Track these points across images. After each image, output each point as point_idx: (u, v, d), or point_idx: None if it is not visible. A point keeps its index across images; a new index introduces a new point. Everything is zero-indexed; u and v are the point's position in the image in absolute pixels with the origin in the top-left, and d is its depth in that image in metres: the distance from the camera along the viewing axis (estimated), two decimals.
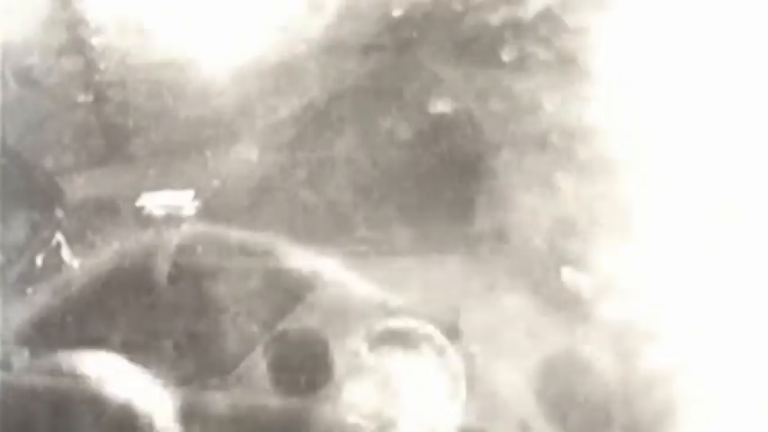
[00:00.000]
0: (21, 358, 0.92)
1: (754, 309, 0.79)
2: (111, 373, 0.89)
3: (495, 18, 0.93)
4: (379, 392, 0.87)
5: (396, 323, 0.88)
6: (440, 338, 0.87)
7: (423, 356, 0.87)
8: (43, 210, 1.02)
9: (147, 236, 0.97)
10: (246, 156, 0.98)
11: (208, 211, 0.99)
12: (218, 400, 0.89)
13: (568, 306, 0.85)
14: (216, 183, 1.00)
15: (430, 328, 0.88)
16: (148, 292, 0.95)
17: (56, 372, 0.90)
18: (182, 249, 0.94)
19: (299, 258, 0.92)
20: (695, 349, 0.80)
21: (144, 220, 1.01)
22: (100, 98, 1.06)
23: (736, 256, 0.80)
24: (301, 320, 0.91)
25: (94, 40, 1.05)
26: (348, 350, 0.88)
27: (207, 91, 1.00)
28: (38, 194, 1.03)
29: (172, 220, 0.99)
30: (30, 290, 0.99)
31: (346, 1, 0.97)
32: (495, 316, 0.87)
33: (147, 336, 0.93)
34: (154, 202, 1.01)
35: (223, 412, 0.89)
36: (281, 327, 0.91)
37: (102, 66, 1.05)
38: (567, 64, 0.90)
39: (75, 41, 1.06)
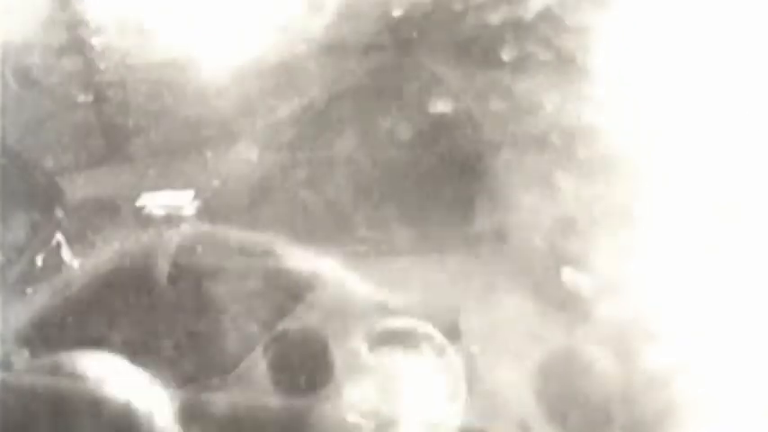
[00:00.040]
0: (21, 359, 0.92)
1: (754, 309, 0.79)
2: (110, 374, 0.88)
3: (495, 18, 0.93)
4: (379, 392, 0.87)
5: (396, 323, 0.88)
6: (440, 338, 0.87)
7: (423, 356, 0.87)
8: (43, 210, 1.02)
9: (147, 236, 0.97)
10: (246, 156, 0.99)
11: (208, 211, 1.00)
12: (218, 400, 0.89)
13: (568, 306, 0.85)
14: (216, 183, 1.00)
15: (430, 328, 0.88)
16: (148, 291, 0.95)
17: (55, 371, 0.90)
18: (181, 249, 0.94)
19: (299, 258, 0.92)
20: (695, 349, 0.80)
21: (144, 220, 1.01)
22: (100, 98, 1.06)
23: (736, 256, 0.80)
24: (301, 320, 0.91)
25: (94, 40, 1.05)
26: (348, 350, 0.88)
27: (207, 91, 1.00)
28: (38, 194, 1.03)
29: (172, 219, 1.00)
30: (30, 290, 0.99)
31: (346, 1, 0.97)
32: (495, 316, 0.87)
33: (147, 336, 0.93)
34: (154, 202, 1.01)
35: (223, 412, 0.89)
36: (281, 327, 0.91)
37: (102, 66, 1.05)
38: (566, 64, 0.90)
39: (75, 41, 1.06)
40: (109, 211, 1.03)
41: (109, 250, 0.98)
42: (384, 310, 0.89)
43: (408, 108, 0.95)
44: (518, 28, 0.93)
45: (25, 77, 1.05)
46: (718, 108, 0.82)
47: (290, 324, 0.91)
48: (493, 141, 0.92)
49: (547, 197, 0.88)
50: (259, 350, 0.90)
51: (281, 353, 0.90)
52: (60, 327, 0.95)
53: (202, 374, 0.90)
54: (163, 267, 0.94)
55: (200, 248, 0.94)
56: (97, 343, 0.92)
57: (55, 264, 1.00)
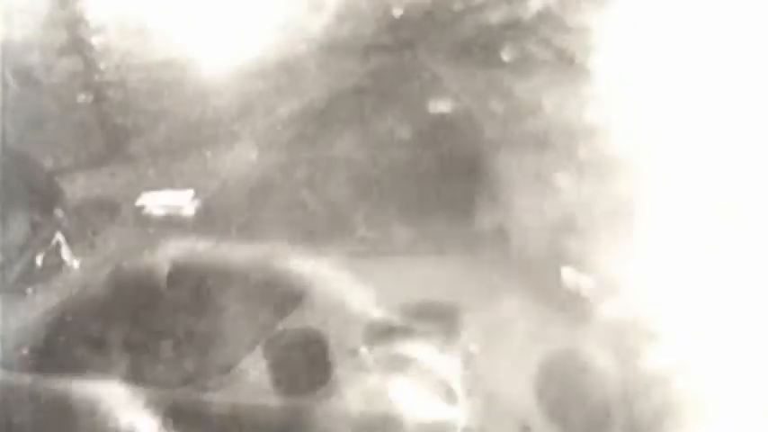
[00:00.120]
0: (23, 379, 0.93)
1: (754, 309, 0.79)
2: (114, 406, 0.89)
3: (495, 18, 0.93)
4: (378, 392, 0.87)
5: (395, 324, 0.88)
6: (440, 339, 0.87)
7: (422, 356, 0.87)
8: (43, 210, 1.03)
9: (145, 252, 0.97)
10: (246, 156, 0.99)
11: (207, 211, 1.00)
12: (218, 400, 0.89)
13: (568, 306, 0.85)
14: (216, 183, 1.00)
15: (430, 329, 0.88)
16: (148, 292, 0.95)
17: (62, 398, 0.90)
18: (177, 266, 0.94)
19: (296, 269, 0.92)
20: (695, 349, 0.80)
21: (144, 219, 1.01)
22: (100, 98, 1.06)
23: (736, 256, 0.80)
24: (301, 320, 0.91)
25: (94, 40, 1.05)
26: (348, 350, 0.88)
27: (207, 91, 1.00)
28: (38, 194, 1.04)
29: (172, 219, 1.00)
30: (30, 290, 0.99)
31: (346, 1, 0.97)
32: (495, 316, 0.87)
33: (147, 336, 0.93)
34: (154, 202, 1.01)
35: (223, 412, 0.89)
36: (280, 327, 0.91)
37: (102, 66, 1.06)
38: (566, 64, 0.90)
39: (75, 41, 1.06)
40: (109, 211, 1.03)
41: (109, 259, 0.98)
42: (382, 325, 0.89)
43: (408, 108, 0.95)
44: (518, 28, 0.93)
45: (25, 77, 1.05)
46: (718, 108, 0.82)
47: (289, 324, 0.91)
48: (493, 141, 0.92)
49: (547, 197, 0.88)
50: (259, 350, 0.90)
51: (281, 353, 0.90)
52: (60, 327, 0.96)
53: (202, 374, 0.90)
54: (163, 270, 0.94)
55: (196, 264, 0.94)
56: (97, 343, 0.92)
57: (55, 264, 1.00)
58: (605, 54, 0.87)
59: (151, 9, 1.01)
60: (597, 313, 0.83)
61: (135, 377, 0.91)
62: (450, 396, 0.86)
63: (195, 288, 0.93)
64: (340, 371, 0.87)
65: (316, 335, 0.89)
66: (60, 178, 1.04)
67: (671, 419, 0.80)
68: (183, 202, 1.00)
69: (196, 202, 1.00)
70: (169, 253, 0.96)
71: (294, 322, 0.90)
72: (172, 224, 0.99)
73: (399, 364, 0.88)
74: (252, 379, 0.89)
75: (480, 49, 0.95)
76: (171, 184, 1.01)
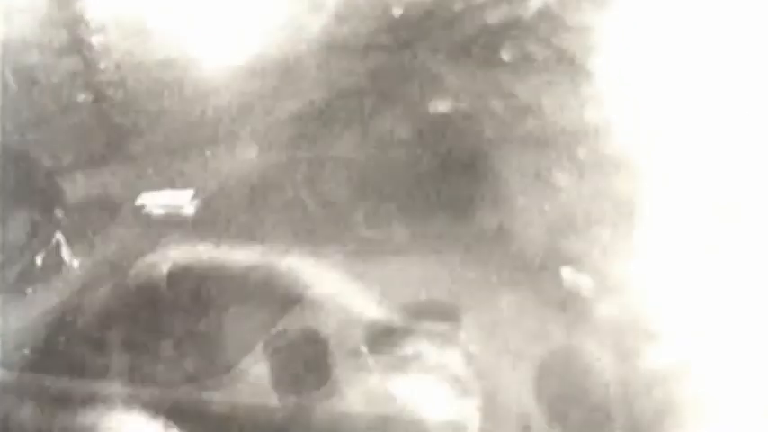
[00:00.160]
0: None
1: (754, 309, 0.79)
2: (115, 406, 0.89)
3: (495, 17, 0.93)
4: (378, 392, 0.87)
5: (394, 324, 0.88)
6: (439, 339, 0.87)
7: (422, 356, 0.87)
8: (43, 209, 1.02)
9: (145, 252, 0.97)
10: (246, 155, 0.98)
11: (207, 211, 0.99)
12: (219, 400, 0.89)
13: (568, 306, 0.85)
14: (216, 183, 1.00)
15: (429, 329, 0.88)
16: (148, 292, 0.95)
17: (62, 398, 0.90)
18: (177, 268, 0.94)
19: (296, 269, 0.92)
20: (695, 349, 0.80)
21: (144, 219, 1.01)
22: (100, 98, 1.06)
23: (736, 256, 0.80)
24: (301, 320, 0.91)
25: (94, 40, 1.05)
26: (348, 350, 0.88)
27: (207, 91, 1.00)
28: (38, 194, 1.03)
29: (172, 219, 1.00)
30: (30, 289, 0.99)
31: (346, 1, 0.97)
32: (495, 316, 0.87)
33: (147, 336, 0.93)
34: (153, 202, 1.01)
35: (223, 412, 0.89)
36: (280, 326, 0.91)
37: (101, 65, 1.05)
38: (566, 63, 0.90)
39: (75, 41, 1.06)
40: (109, 211, 1.03)
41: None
42: (381, 322, 0.89)
43: (408, 108, 0.95)
44: (518, 27, 0.92)
45: (25, 77, 1.05)
46: (718, 108, 0.82)
47: (289, 324, 0.91)
48: (493, 141, 0.92)
49: (547, 197, 0.88)
50: (258, 350, 0.90)
51: (281, 353, 0.90)
52: (60, 327, 0.96)
53: (202, 374, 0.90)
54: (161, 278, 0.94)
55: (196, 264, 0.94)
56: (97, 343, 0.92)
57: (55, 263, 1.00)
58: (605, 54, 0.87)
59: (151, 9, 1.01)
60: (597, 313, 0.83)
61: (135, 377, 0.91)
62: (449, 396, 0.86)
63: (195, 288, 0.93)
64: (340, 371, 0.87)
65: (316, 335, 0.89)
66: (60, 178, 1.04)
67: (671, 419, 0.80)
68: (182, 201, 1.00)
69: (196, 202, 1.00)
70: (169, 253, 0.96)
71: (294, 322, 0.90)
72: (172, 224, 0.99)
73: (400, 363, 0.88)
74: (252, 379, 0.89)
75: (480, 48, 0.95)
76: (171, 184, 1.01)
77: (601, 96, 0.86)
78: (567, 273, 0.86)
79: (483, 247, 0.91)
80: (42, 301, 0.98)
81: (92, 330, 0.95)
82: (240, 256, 0.94)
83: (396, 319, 0.88)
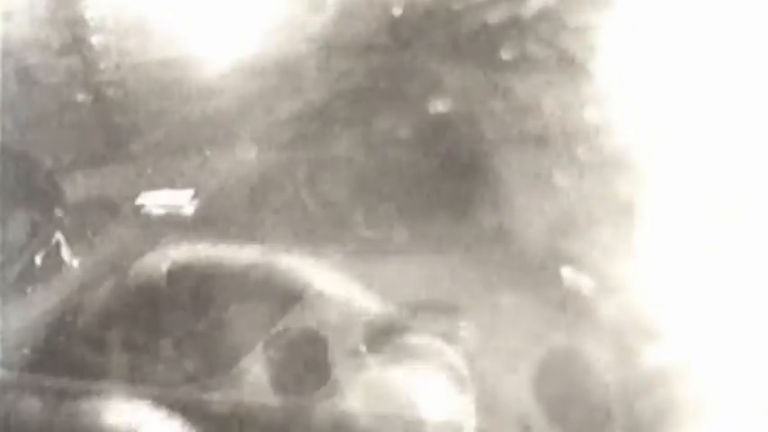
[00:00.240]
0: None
1: (755, 309, 0.79)
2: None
3: (495, 17, 0.93)
4: (378, 392, 0.87)
5: (394, 325, 0.88)
6: (439, 338, 0.87)
7: (422, 356, 0.87)
8: (43, 209, 1.03)
9: (145, 252, 0.97)
10: (246, 155, 0.98)
11: (207, 211, 0.99)
12: (219, 400, 0.89)
13: (568, 306, 0.85)
14: (216, 183, 1.00)
15: (429, 329, 0.88)
16: (148, 292, 0.95)
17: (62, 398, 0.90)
18: (177, 268, 0.94)
19: (296, 269, 0.92)
20: (695, 349, 0.80)
21: (144, 219, 1.01)
22: (99, 97, 1.06)
23: (736, 256, 0.80)
24: (301, 320, 0.91)
25: (94, 40, 1.05)
26: (348, 350, 0.88)
27: (207, 91, 1.00)
28: (38, 194, 1.04)
29: (171, 219, 1.00)
30: (29, 289, 0.99)
31: (346, 0, 0.97)
32: (495, 315, 0.87)
33: (148, 335, 0.93)
34: (153, 201, 1.01)
35: (223, 411, 0.89)
36: (280, 326, 0.91)
37: (101, 65, 1.05)
38: (567, 63, 0.90)
39: (75, 41, 1.06)
40: (109, 211, 1.03)
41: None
42: (381, 322, 0.89)
43: (408, 108, 0.95)
44: (518, 27, 0.92)
45: (25, 77, 1.05)
46: (718, 108, 0.82)
47: (289, 324, 0.91)
48: (493, 141, 0.92)
49: (547, 196, 0.88)
50: (258, 350, 0.90)
51: (281, 352, 0.90)
52: (60, 327, 0.96)
53: (202, 374, 0.90)
54: (161, 278, 0.94)
55: (196, 263, 0.94)
56: (97, 343, 0.92)
57: (55, 263, 1.00)
58: (605, 54, 0.87)
59: (151, 9, 1.01)
60: (597, 313, 0.83)
61: (135, 377, 0.91)
62: (449, 396, 0.86)
63: (195, 288, 0.93)
64: (340, 370, 0.87)
65: (316, 335, 0.89)
66: (60, 178, 1.04)
67: (671, 419, 0.80)
68: (182, 201, 1.00)
69: (196, 202, 1.00)
70: (169, 252, 0.96)
71: (294, 322, 0.90)
72: (171, 223, 0.99)
73: (400, 363, 0.88)
74: (252, 378, 0.89)
75: (480, 48, 0.95)
76: (171, 184, 1.01)
77: (601, 96, 0.86)
78: (567, 273, 0.86)
79: (483, 247, 0.91)
80: (42, 301, 0.98)
81: (92, 330, 0.95)
82: (240, 255, 0.94)
83: (396, 318, 0.88)
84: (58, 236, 1.01)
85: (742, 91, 0.82)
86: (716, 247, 0.81)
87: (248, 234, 0.96)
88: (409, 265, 0.92)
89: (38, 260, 1.00)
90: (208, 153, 1.01)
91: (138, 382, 0.91)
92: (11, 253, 0.99)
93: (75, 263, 1.00)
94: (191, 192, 1.01)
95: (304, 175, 0.97)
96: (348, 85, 0.98)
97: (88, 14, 1.05)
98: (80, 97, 1.06)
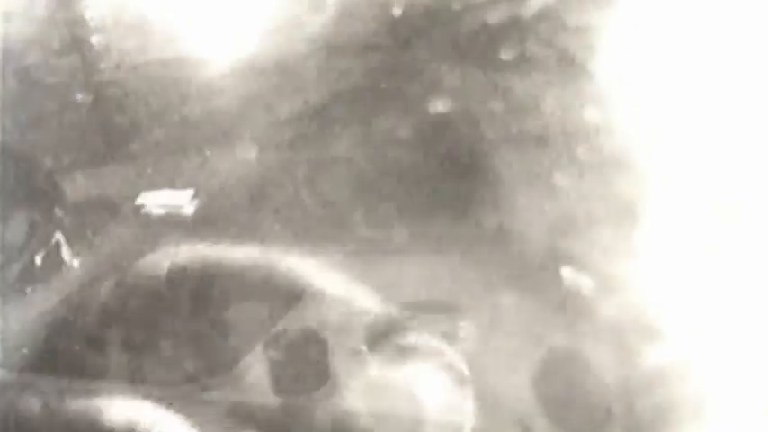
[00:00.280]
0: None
1: (755, 309, 0.79)
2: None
3: (495, 17, 0.93)
4: (378, 392, 0.87)
5: (394, 325, 0.88)
6: (439, 338, 0.87)
7: (422, 356, 0.87)
8: (43, 209, 1.03)
9: (145, 252, 0.97)
10: (246, 155, 0.98)
11: (207, 211, 0.99)
12: (219, 400, 0.89)
13: (568, 306, 0.85)
14: (216, 182, 1.00)
15: (429, 329, 0.88)
16: (148, 292, 0.95)
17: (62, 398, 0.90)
18: (177, 268, 0.94)
19: (296, 269, 0.92)
20: (696, 349, 0.80)
21: (143, 219, 1.01)
22: (99, 97, 1.06)
23: (736, 256, 0.80)
24: (301, 320, 0.91)
25: (94, 40, 1.05)
26: (348, 350, 0.88)
27: (207, 90, 1.00)
28: (38, 194, 1.04)
29: (171, 219, 1.00)
30: (29, 289, 0.99)
31: (346, 0, 0.97)
32: (495, 315, 0.87)
33: (148, 335, 0.93)
34: (153, 201, 1.01)
35: (223, 412, 0.89)
36: (280, 326, 0.91)
37: (101, 65, 1.05)
38: (567, 63, 0.90)
39: (75, 41, 1.06)
40: (109, 211, 1.03)
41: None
42: (381, 322, 0.89)
43: (408, 108, 0.95)
44: (518, 27, 0.92)
45: (25, 77, 1.05)
46: (718, 108, 0.82)
47: (289, 324, 0.91)
48: (493, 141, 0.92)
49: (547, 196, 0.88)
50: (258, 350, 0.90)
51: (281, 353, 0.90)
52: (60, 326, 0.96)
53: (202, 374, 0.90)
54: (160, 278, 0.94)
55: (196, 263, 0.94)
56: (97, 343, 0.92)
57: (55, 263, 1.00)
58: (605, 54, 0.87)
59: (151, 9, 1.01)
60: (597, 313, 0.83)
61: (135, 377, 0.91)
62: (449, 396, 0.86)
63: (195, 288, 0.93)
64: (340, 371, 0.87)
65: (316, 335, 0.89)
66: (60, 178, 1.04)
67: (671, 419, 0.80)
68: (182, 201, 1.00)
69: (196, 202, 1.00)
70: (169, 252, 0.96)
71: (294, 322, 0.90)
72: (171, 223, 0.99)
73: (400, 363, 0.88)
74: (252, 378, 0.89)
75: (480, 48, 0.95)
76: (171, 184, 1.01)
77: (601, 96, 0.86)
78: (567, 273, 0.86)
79: (483, 247, 0.91)
80: (42, 301, 0.98)
81: (92, 330, 0.95)
82: (240, 255, 0.94)
83: (396, 318, 0.88)
84: (58, 236, 1.01)
85: (742, 91, 0.82)
86: (716, 247, 0.81)
87: (248, 234, 0.95)
88: (409, 265, 0.92)
89: (38, 260, 1.00)
90: (208, 153, 1.01)
91: (137, 381, 0.91)
92: (11, 253, 0.99)
93: (76, 263, 1.00)
94: (191, 192, 1.01)
95: (304, 175, 0.97)
96: (348, 85, 0.98)
97: (88, 14, 1.05)
98: (80, 97, 1.06)
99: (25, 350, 0.95)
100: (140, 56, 1.03)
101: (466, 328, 0.87)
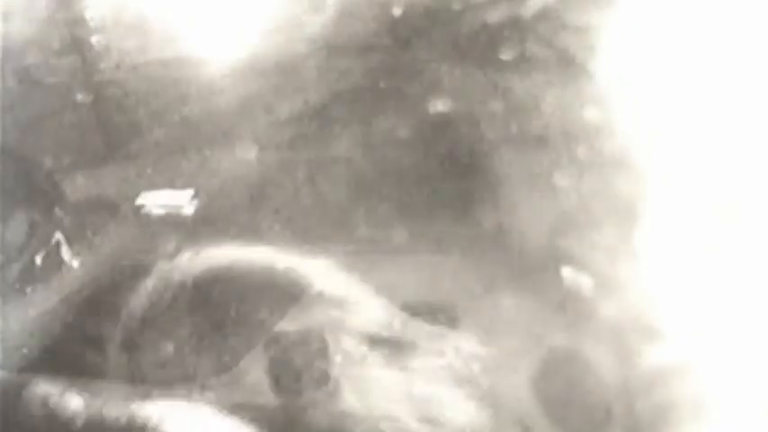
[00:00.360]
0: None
1: (755, 309, 0.79)
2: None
3: (494, 17, 0.93)
4: (378, 392, 0.87)
5: (394, 325, 0.88)
6: (439, 338, 0.87)
7: (422, 356, 0.87)
8: (43, 209, 1.02)
9: (145, 251, 0.97)
10: (246, 155, 0.98)
11: (207, 211, 0.99)
12: (218, 400, 0.89)
13: (568, 306, 0.85)
14: (216, 182, 1.00)
15: (429, 329, 0.88)
16: (148, 292, 0.95)
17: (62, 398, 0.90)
18: (176, 268, 0.94)
19: (296, 269, 0.92)
20: (695, 349, 0.80)
21: (143, 219, 1.01)
22: (99, 97, 1.06)
23: (736, 256, 0.80)
24: (301, 320, 0.91)
25: (94, 40, 1.05)
26: (347, 350, 0.88)
27: (207, 90, 1.00)
28: (37, 194, 1.03)
29: (171, 219, 1.00)
30: (29, 289, 0.99)
31: (346, 0, 0.97)
32: (494, 315, 0.87)
33: (147, 335, 0.93)
34: (153, 201, 1.01)
35: (223, 412, 0.89)
36: (280, 327, 0.91)
37: (101, 65, 1.05)
38: (566, 63, 0.90)
39: (75, 41, 1.06)
40: (108, 211, 1.03)
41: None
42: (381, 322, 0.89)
43: (408, 108, 0.95)
44: (518, 27, 0.92)
45: (25, 77, 1.05)
46: (718, 108, 0.82)
47: (289, 324, 0.91)
48: (493, 141, 0.92)
49: (547, 196, 0.88)
50: (258, 350, 0.90)
51: (281, 353, 0.90)
52: (61, 325, 0.96)
53: (202, 374, 0.90)
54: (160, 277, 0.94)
55: (196, 263, 0.94)
56: (96, 343, 0.92)
57: (55, 263, 1.00)
58: (605, 54, 0.87)
59: (151, 9, 1.01)
60: (597, 313, 0.83)
61: (135, 376, 0.91)
62: (449, 396, 0.86)
63: (195, 288, 0.93)
64: (340, 371, 0.87)
65: (316, 335, 0.89)
66: (60, 178, 1.04)
67: (671, 419, 0.80)
68: (182, 201, 1.00)
69: (196, 202, 1.00)
70: (169, 252, 0.96)
71: (294, 322, 0.90)
72: (171, 223, 0.99)
73: (400, 363, 0.88)
74: (252, 379, 0.89)
75: (480, 48, 0.95)
76: (171, 184, 1.01)
77: (601, 96, 0.86)
78: (567, 273, 0.86)
79: (483, 247, 0.91)
80: (42, 301, 0.98)
81: (92, 330, 0.95)
82: (240, 255, 0.94)
83: (395, 319, 0.88)
84: (58, 236, 1.01)
85: (742, 91, 0.82)
86: (716, 247, 0.81)
87: (248, 234, 0.95)
88: (409, 265, 0.92)
89: (38, 260, 1.00)
90: (208, 153, 1.01)
91: (137, 381, 0.91)
92: (11, 253, 0.99)
93: (75, 263, 1.00)
94: (191, 192, 1.01)
95: (304, 175, 0.97)
96: (348, 85, 0.98)
97: (88, 14, 1.05)
98: (80, 97, 1.06)
99: (25, 350, 0.95)
100: (140, 56, 1.03)
101: (466, 328, 0.87)
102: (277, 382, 0.89)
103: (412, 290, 0.89)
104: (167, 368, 0.91)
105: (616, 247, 0.84)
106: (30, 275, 0.99)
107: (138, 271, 0.95)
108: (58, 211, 1.03)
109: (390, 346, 0.88)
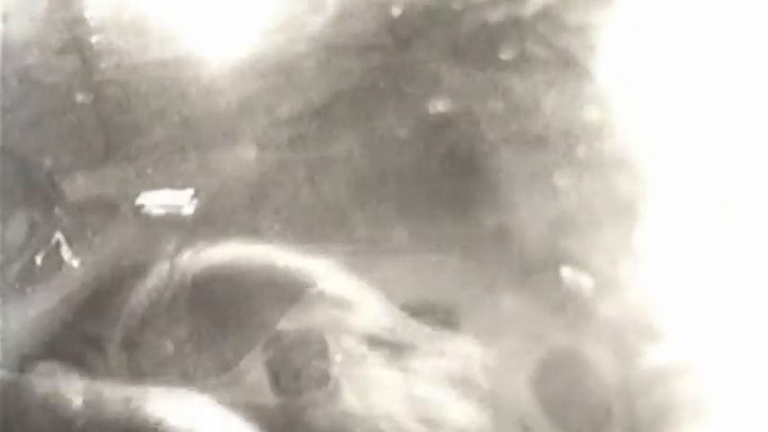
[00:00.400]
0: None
1: (755, 309, 0.79)
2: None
3: (495, 17, 0.93)
4: (378, 393, 0.87)
5: (393, 325, 0.88)
6: (439, 338, 0.87)
7: (422, 356, 0.87)
8: (42, 209, 1.02)
9: (145, 251, 0.97)
10: (246, 155, 0.98)
11: (207, 211, 0.99)
12: (218, 400, 0.89)
13: (568, 306, 0.85)
14: (216, 182, 1.00)
15: (429, 329, 0.88)
16: (148, 292, 0.95)
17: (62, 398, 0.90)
18: (176, 268, 0.94)
19: (296, 268, 0.92)
20: (696, 349, 0.80)
21: (143, 219, 1.01)
22: (99, 97, 1.06)
23: (736, 256, 0.80)
24: (301, 320, 0.91)
25: (94, 40, 1.05)
26: (347, 350, 0.88)
27: (207, 90, 1.00)
28: (37, 194, 1.03)
29: (171, 218, 1.00)
30: (29, 289, 0.99)
31: (346, 0, 0.97)
32: (494, 316, 0.87)
33: (147, 335, 0.93)
34: (153, 201, 1.01)
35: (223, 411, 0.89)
36: (280, 326, 0.91)
37: (101, 65, 1.05)
38: (566, 63, 0.90)
39: (75, 41, 1.06)
40: (108, 211, 1.03)
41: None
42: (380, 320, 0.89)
43: (408, 108, 0.95)
44: (518, 27, 0.92)
45: (25, 77, 1.05)
46: (718, 108, 0.82)
47: (288, 324, 0.91)
48: (492, 141, 0.92)
49: (546, 197, 0.88)
50: (258, 350, 0.90)
51: (281, 353, 0.90)
52: (61, 325, 0.96)
53: (202, 374, 0.90)
54: (160, 277, 0.94)
55: (195, 263, 0.94)
56: (95, 342, 0.92)
57: (55, 263, 1.00)
58: (605, 54, 0.87)
59: (151, 9, 1.01)
60: (597, 313, 0.83)
61: (134, 377, 0.91)
62: (449, 396, 0.86)
63: (195, 287, 0.93)
64: (340, 371, 0.87)
65: (316, 335, 0.89)
66: (60, 178, 1.04)
67: (671, 419, 0.80)
68: (182, 201, 1.00)
69: (196, 202, 1.00)
70: (168, 252, 0.96)
71: (294, 322, 0.90)
72: (171, 223, 0.99)
73: (400, 363, 0.88)
74: (252, 378, 0.89)
75: (480, 48, 0.95)
76: (171, 184, 1.01)
77: (601, 96, 0.86)
78: (567, 273, 0.86)
79: (483, 247, 0.91)
80: (42, 301, 0.98)
81: (92, 330, 0.95)
82: (240, 255, 0.94)
83: (395, 319, 0.88)
84: (58, 236, 1.01)
85: (742, 91, 0.82)
86: (716, 247, 0.81)
87: (248, 234, 0.95)
88: (409, 265, 0.92)
89: (38, 260, 1.00)
90: (208, 153, 1.01)
91: (137, 380, 0.91)
92: (11, 253, 0.99)
93: (75, 263, 1.00)
94: (191, 192, 1.00)
95: (304, 175, 0.97)
96: (348, 85, 0.98)
97: (88, 14, 1.05)
98: (80, 97, 1.06)
99: (25, 350, 0.95)
100: (140, 56, 1.03)
101: (465, 328, 0.87)
102: (277, 381, 0.89)
103: (412, 290, 0.89)
104: (167, 367, 0.91)
105: (616, 247, 0.84)
106: (30, 275, 0.99)
107: (138, 271, 0.95)
108: (58, 211, 1.03)
109: (390, 346, 0.88)
